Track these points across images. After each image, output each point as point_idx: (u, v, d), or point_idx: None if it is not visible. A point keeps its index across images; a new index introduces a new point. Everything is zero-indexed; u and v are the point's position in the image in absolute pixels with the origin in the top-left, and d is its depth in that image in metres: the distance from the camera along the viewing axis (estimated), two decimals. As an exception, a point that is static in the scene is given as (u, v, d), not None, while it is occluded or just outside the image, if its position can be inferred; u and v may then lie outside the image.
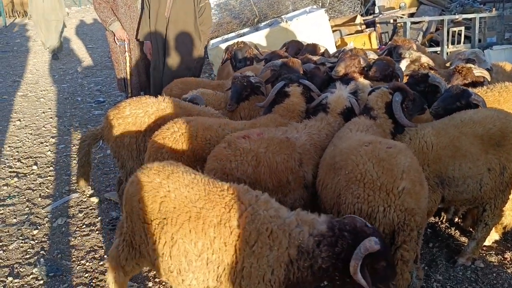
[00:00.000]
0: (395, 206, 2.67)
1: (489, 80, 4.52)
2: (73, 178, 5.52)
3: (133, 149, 4.01)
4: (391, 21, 10.26)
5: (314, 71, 4.62)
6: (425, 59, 4.80)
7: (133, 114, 3.97)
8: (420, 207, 2.72)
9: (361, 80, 4.21)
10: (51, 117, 7.90)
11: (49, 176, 5.68)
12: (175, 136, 3.57)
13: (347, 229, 2.39)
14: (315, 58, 5.18)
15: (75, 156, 5.12)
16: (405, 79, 4.46)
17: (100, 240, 4.33)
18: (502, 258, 3.90)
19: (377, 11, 11.97)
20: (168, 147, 3.54)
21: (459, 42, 9.45)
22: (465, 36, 9.89)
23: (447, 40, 9.27)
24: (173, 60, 6.31)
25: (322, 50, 6.18)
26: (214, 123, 3.70)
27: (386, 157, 2.79)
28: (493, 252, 3.97)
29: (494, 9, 10.31)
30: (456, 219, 4.39)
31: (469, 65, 4.62)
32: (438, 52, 9.46)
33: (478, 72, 4.53)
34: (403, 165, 2.76)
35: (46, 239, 4.36)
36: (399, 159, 2.79)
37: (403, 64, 4.73)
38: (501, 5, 12.45)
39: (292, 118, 3.89)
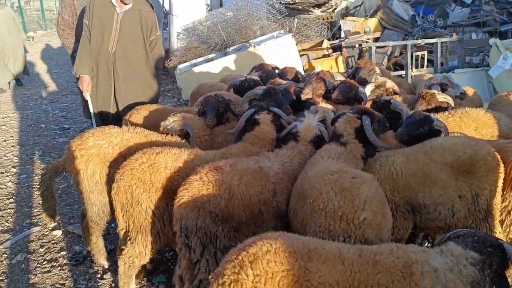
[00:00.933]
0: (355, 237, 2.63)
1: (452, 105, 4.61)
2: (35, 210, 5.28)
3: (97, 181, 3.86)
4: (357, 45, 10.47)
5: (286, 91, 4.63)
6: (390, 84, 4.88)
7: (97, 145, 3.84)
8: (381, 239, 2.69)
9: (323, 104, 4.23)
10: (12, 146, 7.62)
11: (9, 208, 5.42)
12: (143, 167, 3.45)
13: (487, 245, 2.33)
14: (284, 82, 5.18)
15: (38, 187, 4.91)
16: (368, 104, 4.50)
17: (62, 277, 4.12)
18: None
19: (343, 35, 12.25)
20: (136, 178, 3.42)
21: (422, 66, 9.71)
22: (428, 60, 10.19)
23: (411, 64, 9.51)
24: (123, 102, 5.70)
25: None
26: (183, 154, 3.60)
27: (349, 187, 2.77)
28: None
29: (454, 34, 10.68)
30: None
31: (432, 91, 4.71)
32: (402, 75, 9.69)
33: (442, 97, 4.62)
34: (366, 196, 2.74)
35: (3, 277, 4.12)
36: (362, 190, 2.76)
37: (368, 89, 4.78)
38: (461, 30, 12.98)
39: (263, 146, 3.85)
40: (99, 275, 4.13)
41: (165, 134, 4.16)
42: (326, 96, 4.56)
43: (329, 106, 4.28)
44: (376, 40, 11.64)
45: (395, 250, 2.27)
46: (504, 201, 3.59)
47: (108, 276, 4.11)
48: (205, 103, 4.60)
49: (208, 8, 15.41)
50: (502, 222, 3.63)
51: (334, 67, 10.37)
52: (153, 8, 5.83)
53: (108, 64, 5.62)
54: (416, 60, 9.68)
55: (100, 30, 5.52)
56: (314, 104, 4.27)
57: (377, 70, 5.56)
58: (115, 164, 3.77)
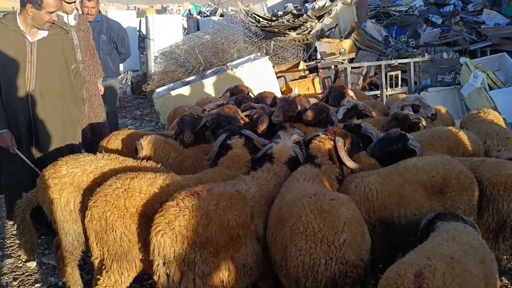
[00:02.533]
0: (336, 259, 2.64)
1: (425, 125, 4.70)
2: (7, 242, 5.13)
3: (71, 210, 3.78)
4: (332, 66, 10.66)
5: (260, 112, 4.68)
6: (361, 107, 4.97)
7: (71, 173, 3.78)
8: (362, 259, 2.70)
9: (291, 128, 4.28)
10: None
11: (-19, 240, 5.27)
12: (117, 192, 3.40)
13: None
14: (257, 105, 5.22)
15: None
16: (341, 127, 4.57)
17: (37, 311, 3.99)
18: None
19: (319, 56, 12.46)
20: (110, 204, 3.37)
21: (396, 85, 9.92)
22: (402, 79, 10.42)
23: (386, 84, 9.70)
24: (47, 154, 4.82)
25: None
26: (159, 178, 3.57)
27: (328, 209, 2.78)
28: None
29: (426, 53, 10.97)
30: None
31: (405, 111, 4.80)
32: (378, 95, 9.87)
33: (415, 118, 4.72)
34: (345, 217, 2.76)
35: (-25, 313, 3.97)
36: (341, 211, 2.78)
37: (341, 112, 4.86)
38: (433, 49, 13.34)
39: (239, 169, 3.85)
40: (75, 306, 4.01)
41: (140, 160, 4.13)
42: (298, 118, 4.61)
43: (298, 130, 4.31)
44: (351, 60, 11.87)
45: None
46: (481, 219, 3.66)
47: (84, 307, 4.01)
48: (181, 122, 4.62)
49: (186, 32, 15.58)
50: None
51: (311, 88, 10.52)
52: (67, 31, 5.05)
53: (23, 109, 4.64)
54: (391, 79, 9.88)
55: (8, 68, 4.54)
56: (284, 127, 4.31)
57: (350, 92, 5.66)
58: (90, 192, 3.69)
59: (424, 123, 4.78)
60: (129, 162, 4.05)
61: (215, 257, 3.08)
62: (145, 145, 4.41)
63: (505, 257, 3.66)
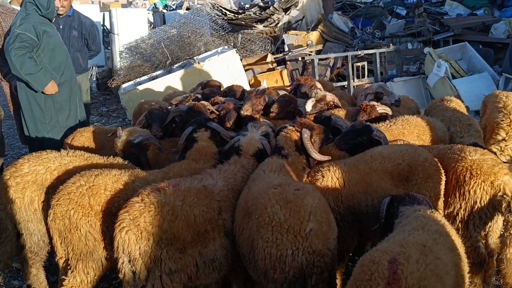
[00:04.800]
0: (303, 249, 2.64)
1: (391, 114, 4.76)
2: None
3: (35, 209, 3.67)
4: (299, 58, 10.68)
5: (227, 107, 4.63)
6: (330, 98, 4.97)
7: (33, 171, 3.66)
8: (328, 248, 2.71)
9: (262, 120, 4.26)
10: None
11: None
12: (81, 190, 3.32)
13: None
14: (223, 99, 5.16)
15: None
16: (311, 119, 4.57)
17: (0, 315, 3.86)
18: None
19: (286, 49, 12.47)
20: (74, 203, 3.28)
21: (363, 76, 10.02)
22: (369, 70, 10.54)
23: (353, 74, 9.79)
24: None
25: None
26: (124, 175, 3.49)
27: (293, 199, 2.78)
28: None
29: (391, 44, 11.12)
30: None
31: (372, 102, 4.84)
32: (345, 86, 9.96)
33: (381, 109, 4.77)
34: (311, 207, 2.76)
35: None
36: (306, 201, 2.78)
37: (309, 104, 4.85)
38: (398, 40, 13.55)
39: (206, 161, 3.82)
40: (40, 309, 3.90)
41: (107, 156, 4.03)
42: (266, 112, 4.58)
43: (268, 122, 4.29)
44: (318, 52, 11.92)
45: None
46: (449, 207, 3.68)
47: (50, 309, 3.89)
48: (149, 116, 4.54)
49: (152, 26, 15.31)
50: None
51: (279, 81, 10.51)
52: None
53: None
54: (357, 70, 9.98)
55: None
56: (254, 120, 4.28)
57: (318, 84, 5.67)
58: (54, 191, 3.58)
59: (390, 113, 4.83)
60: (95, 159, 3.95)
61: (182, 253, 3.04)
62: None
63: (481, 245, 3.66)
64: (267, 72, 10.86)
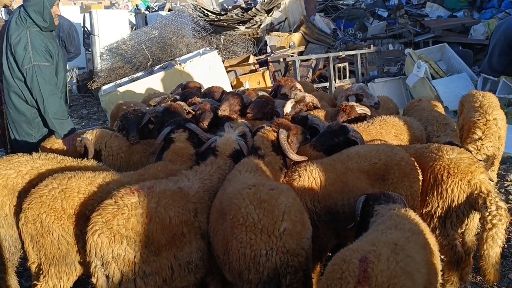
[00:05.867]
0: (277, 249, 2.62)
1: (369, 115, 4.77)
2: None
3: (6, 214, 3.58)
4: (281, 59, 10.69)
5: (203, 107, 4.59)
6: (309, 99, 4.96)
7: (4, 175, 3.57)
8: (303, 248, 2.70)
9: (239, 121, 4.24)
10: None
11: None
12: (53, 193, 3.25)
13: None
14: (200, 100, 5.11)
15: None
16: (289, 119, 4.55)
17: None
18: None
19: (269, 50, 12.47)
20: (46, 206, 3.21)
21: (345, 77, 10.08)
22: (350, 71, 10.61)
23: (334, 75, 9.83)
24: None
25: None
26: (98, 177, 3.43)
27: (267, 198, 2.75)
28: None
29: (372, 45, 11.21)
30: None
31: (351, 103, 4.85)
32: (327, 87, 10.00)
33: (360, 109, 4.78)
34: (285, 206, 2.73)
35: None
36: (280, 200, 2.76)
37: (288, 105, 4.83)
38: (380, 42, 13.67)
39: (183, 163, 3.78)
40: (13, 316, 3.81)
41: (80, 159, 3.97)
42: (244, 112, 4.56)
43: (246, 122, 4.26)
44: (300, 53, 11.96)
45: None
46: (427, 206, 3.71)
47: (23, 315, 3.81)
48: (124, 120, 4.46)
49: (134, 28, 15.19)
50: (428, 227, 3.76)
51: (261, 82, 10.50)
52: None
53: None
54: (339, 71, 10.03)
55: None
56: (231, 120, 4.25)
57: (298, 86, 5.66)
58: (26, 195, 3.49)
59: (369, 113, 4.85)
60: (68, 161, 3.88)
61: (156, 256, 2.99)
62: (94, 139, 4.25)
63: (458, 243, 3.68)
64: (249, 74, 10.84)
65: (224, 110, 4.45)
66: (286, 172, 3.62)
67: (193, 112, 4.58)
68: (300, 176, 3.53)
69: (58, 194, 3.23)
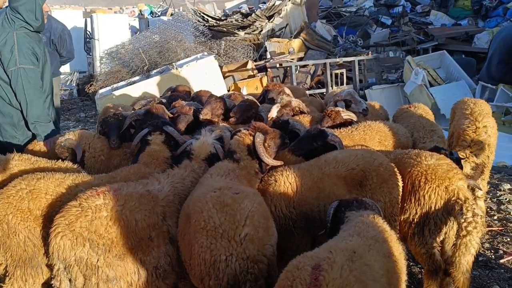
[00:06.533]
0: (236, 254, 2.54)
1: (355, 120, 4.69)
2: None
3: (-24, 216, 3.52)
4: (277, 65, 10.64)
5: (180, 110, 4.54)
6: (295, 103, 4.89)
7: (-26, 176, 3.53)
8: (264, 255, 2.61)
9: (221, 124, 4.17)
10: None
11: None
12: (21, 194, 3.20)
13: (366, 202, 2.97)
14: (184, 103, 5.05)
15: None
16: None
17: None
18: None
19: (269, 56, 12.45)
20: (12, 207, 3.16)
21: (342, 83, 10.00)
22: (349, 78, 10.53)
23: (331, 82, 9.76)
24: None
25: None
26: (67, 179, 3.38)
27: (230, 203, 2.68)
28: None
29: (370, 52, 11.13)
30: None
31: (337, 108, 4.77)
32: (324, 93, 9.92)
33: (346, 115, 4.70)
34: (248, 211, 2.65)
35: None
36: (244, 205, 2.68)
37: (274, 109, 4.76)
38: (382, 49, 13.59)
39: (158, 166, 3.72)
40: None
41: (56, 159, 3.92)
42: (227, 116, 4.49)
43: (227, 126, 4.20)
44: (300, 59, 11.91)
45: None
46: (405, 213, 3.62)
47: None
48: (104, 124, 4.41)
49: (137, 32, 15.25)
50: (406, 234, 3.67)
51: (259, 88, 10.45)
52: None
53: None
54: (336, 77, 9.95)
55: None
56: (213, 124, 4.19)
57: (287, 90, 5.59)
58: (-2, 195, 3.47)
59: (354, 119, 4.76)
60: (42, 162, 3.83)
61: (121, 260, 2.91)
62: (78, 140, 4.19)
63: (437, 251, 3.56)
64: (248, 79, 10.81)
65: (205, 114, 4.39)
66: (263, 177, 3.54)
67: (171, 115, 4.51)
68: (276, 181, 3.45)
69: (26, 195, 3.18)
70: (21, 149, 4.80)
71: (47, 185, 3.26)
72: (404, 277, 2.41)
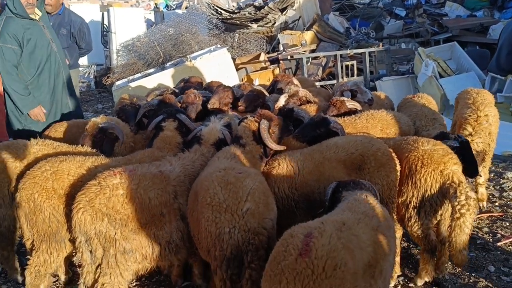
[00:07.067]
0: (239, 227, 2.79)
1: (360, 109, 4.89)
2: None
3: (5, 195, 3.84)
4: (288, 57, 10.82)
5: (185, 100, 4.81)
6: (302, 93, 5.11)
7: (3, 160, 3.83)
8: (264, 227, 2.86)
9: (230, 113, 4.40)
10: None
11: None
12: (46, 174, 3.50)
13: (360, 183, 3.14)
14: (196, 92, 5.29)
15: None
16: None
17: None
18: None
19: (281, 48, 12.61)
20: (38, 186, 3.46)
21: (353, 75, 10.14)
22: (360, 69, 10.65)
23: (342, 73, 9.91)
24: None
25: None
26: (87, 161, 3.67)
27: (234, 181, 2.93)
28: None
29: (381, 44, 11.23)
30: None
31: (342, 98, 4.97)
32: (334, 84, 10.08)
33: (351, 104, 4.90)
34: (249, 188, 2.90)
35: None
36: (246, 183, 2.93)
37: (282, 99, 4.99)
38: (396, 41, 13.61)
39: (170, 150, 4.00)
40: (12, 290, 4.09)
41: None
42: (236, 105, 4.73)
43: (235, 114, 4.44)
44: (312, 52, 12.05)
45: None
46: (402, 195, 3.83)
47: (21, 290, 4.08)
48: (121, 112, 4.69)
49: (153, 26, 15.54)
50: (403, 215, 3.88)
51: (271, 79, 10.60)
52: None
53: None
54: (347, 69, 10.10)
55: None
56: (222, 113, 4.44)
57: (295, 81, 5.81)
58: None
59: (359, 108, 4.96)
60: (63, 147, 4.12)
61: (136, 234, 3.20)
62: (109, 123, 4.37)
63: (432, 232, 3.78)
64: (260, 71, 11.01)
65: (213, 104, 4.65)
66: (267, 161, 3.78)
67: (179, 105, 4.78)
68: (279, 164, 3.70)
69: (50, 176, 3.48)
70: (26, 133, 5.18)
71: (69, 167, 3.55)
72: (393, 249, 2.63)
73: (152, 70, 10.18)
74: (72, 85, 6.31)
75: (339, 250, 2.18)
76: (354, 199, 2.76)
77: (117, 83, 10.05)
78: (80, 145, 4.18)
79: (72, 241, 3.54)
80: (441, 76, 9.28)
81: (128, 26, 12.58)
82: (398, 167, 3.78)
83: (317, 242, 2.18)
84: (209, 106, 4.65)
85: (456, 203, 3.44)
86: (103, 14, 13.98)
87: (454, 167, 3.64)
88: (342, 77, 9.91)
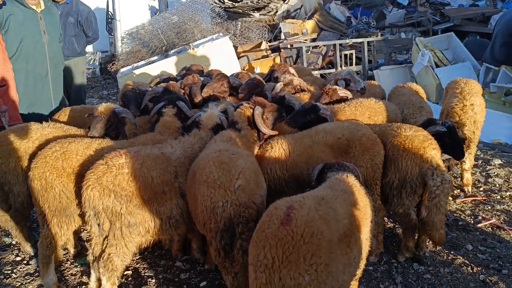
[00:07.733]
0: (231, 201, 3.10)
1: (351, 98, 5.16)
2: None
3: (19, 173, 4.15)
4: (288, 46, 11.04)
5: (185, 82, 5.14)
6: (296, 82, 5.38)
7: (17, 141, 4.15)
8: (254, 202, 3.17)
9: (226, 100, 4.70)
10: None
11: None
12: (56, 154, 3.80)
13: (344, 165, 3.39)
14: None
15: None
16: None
17: (-9, 266, 4.39)
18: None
19: (283, 37, 12.84)
20: (49, 165, 3.77)
21: (351, 64, 10.38)
22: (359, 58, 10.88)
23: (341, 62, 10.15)
24: None
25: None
26: (94, 143, 3.98)
27: (227, 161, 3.24)
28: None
29: (379, 33, 11.43)
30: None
31: (334, 86, 5.25)
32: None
33: (342, 92, 5.18)
34: (241, 167, 3.21)
35: None
36: (238, 163, 3.24)
37: (278, 87, 5.27)
38: (397, 30, 13.77)
39: (170, 134, 4.30)
40: (25, 262, 4.43)
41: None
42: (232, 93, 5.03)
43: (230, 101, 4.73)
44: (313, 41, 12.27)
45: None
46: (386, 177, 4.14)
47: (33, 262, 4.42)
48: (124, 97, 5.01)
49: (158, 13, 15.76)
50: (387, 196, 4.18)
51: (272, 67, 10.90)
52: None
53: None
54: (346, 58, 10.33)
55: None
56: (218, 100, 4.73)
57: (291, 70, 6.07)
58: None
59: (350, 96, 5.23)
60: (73, 130, 4.43)
61: (140, 209, 3.51)
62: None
63: (413, 212, 4.08)
64: (261, 59, 11.27)
65: (206, 92, 4.98)
66: (261, 144, 4.08)
67: (183, 91, 5.09)
68: (271, 148, 4.00)
69: (60, 156, 3.79)
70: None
71: (77, 148, 3.86)
72: (368, 223, 2.93)
73: (155, 57, 10.47)
74: (62, 79, 6.50)
75: (316, 220, 2.48)
76: (335, 178, 3.05)
77: (122, 70, 10.35)
78: (90, 128, 4.45)
79: (81, 216, 3.88)
80: (437, 66, 9.50)
81: (133, 13, 12.83)
82: (382, 152, 4.07)
83: (297, 213, 2.48)
84: (203, 94, 4.96)
85: (433, 185, 3.74)
86: (108, 1, 14.21)
87: (433, 152, 3.93)
88: (341, 66, 10.15)
